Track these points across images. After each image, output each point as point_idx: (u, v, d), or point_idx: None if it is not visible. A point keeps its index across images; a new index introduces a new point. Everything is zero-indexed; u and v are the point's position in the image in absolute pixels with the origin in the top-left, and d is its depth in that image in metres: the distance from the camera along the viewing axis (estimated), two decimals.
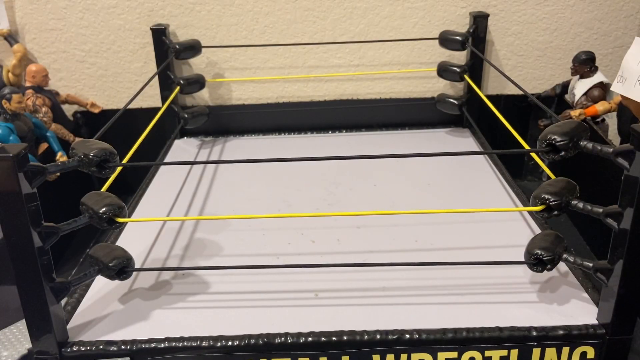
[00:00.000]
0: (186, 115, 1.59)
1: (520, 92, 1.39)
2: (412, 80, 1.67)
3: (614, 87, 1.16)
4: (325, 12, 1.59)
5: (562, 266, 1.01)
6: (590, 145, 0.85)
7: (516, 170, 1.70)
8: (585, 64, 1.40)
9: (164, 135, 1.60)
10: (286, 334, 0.88)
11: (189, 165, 1.47)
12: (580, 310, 0.92)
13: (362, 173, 1.41)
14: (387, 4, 1.58)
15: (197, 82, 1.59)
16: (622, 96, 1.16)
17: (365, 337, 0.87)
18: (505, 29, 1.61)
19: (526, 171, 1.74)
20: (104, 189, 0.99)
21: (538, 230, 1.13)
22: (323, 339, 0.88)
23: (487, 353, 0.88)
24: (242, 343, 0.88)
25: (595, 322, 0.89)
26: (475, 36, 1.56)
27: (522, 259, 0.92)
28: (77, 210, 0.90)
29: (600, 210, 0.84)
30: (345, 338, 0.87)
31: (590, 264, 0.87)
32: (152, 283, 1.03)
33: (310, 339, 0.88)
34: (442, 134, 1.66)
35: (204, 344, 0.88)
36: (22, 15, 1.57)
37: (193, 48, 1.57)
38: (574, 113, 1.37)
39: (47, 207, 0.86)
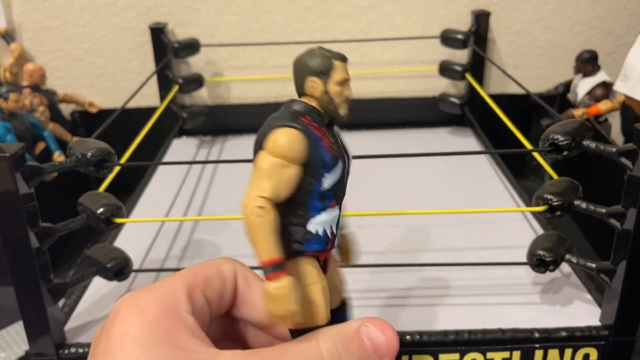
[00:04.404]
0: (185, 115, 1.58)
1: (523, 91, 1.38)
2: (413, 79, 1.66)
3: (616, 86, 1.16)
4: (326, 10, 1.58)
5: (564, 267, 1.00)
6: (593, 144, 0.84)
7: (518, 170, 1.68)
8: (587, 62, 1.40)
9: (162, 134, 1.59)
10: None
11: (188, 165, 1.46)
12: (583, 312, 0.92)
13: (362, 173, 1.40)
14: (388, 2, 1.57)
15: (196, 81, 1.59)
16: (625, 95, 1.15)
17: None
18: (507, 27, 1.60)
19: (528, 171, 1.73)
20: (101, 189, 0.98)
21: (541, 231, 1.12)
22: None
23: (489, 355, 0.87)
24: None
25: (598, 323, 0.89)
26: (477, 35, 1.56)
27: (525, 260, 0.91)
28: (75, 211, 0.90)
29: (603, 210, 0.83)
30: None
31: (593, 265, 0.86)
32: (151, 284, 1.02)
33: None
34: (444, 133, 1.65)
35: None
36: (19, 13, 1.56)
37: (192, 47, 1.56)
38: (577, 112, 1.36)
39: (45, 207, 0.86)
